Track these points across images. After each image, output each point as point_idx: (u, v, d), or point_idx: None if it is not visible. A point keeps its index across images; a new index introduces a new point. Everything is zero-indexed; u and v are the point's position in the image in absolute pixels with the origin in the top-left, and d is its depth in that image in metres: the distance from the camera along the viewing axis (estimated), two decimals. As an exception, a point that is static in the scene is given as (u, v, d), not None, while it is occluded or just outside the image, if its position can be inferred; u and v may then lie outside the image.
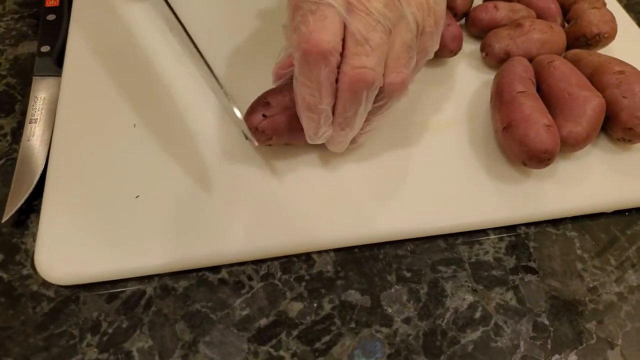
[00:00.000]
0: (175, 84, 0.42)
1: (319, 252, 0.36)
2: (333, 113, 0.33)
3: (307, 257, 0.36)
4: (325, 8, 0.30)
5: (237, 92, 0.40)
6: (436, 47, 0.36)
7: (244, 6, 0.48)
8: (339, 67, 0.31)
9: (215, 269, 0.35)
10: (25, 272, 0.34)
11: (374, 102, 0.33)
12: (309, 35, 0.30)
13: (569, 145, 0.39)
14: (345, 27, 0.31)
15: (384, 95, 0.33)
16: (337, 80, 0.32)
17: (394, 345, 0.32)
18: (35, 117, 0.41)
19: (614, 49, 0.46)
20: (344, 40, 0.31)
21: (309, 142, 0.35)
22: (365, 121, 0.35)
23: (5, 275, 0.34)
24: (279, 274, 0.35)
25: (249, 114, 0.36)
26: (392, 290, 0.35)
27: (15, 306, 0.33)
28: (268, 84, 0.37)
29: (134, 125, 0.40)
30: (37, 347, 0.31)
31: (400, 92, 0.33)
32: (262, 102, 0.36)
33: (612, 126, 0.41)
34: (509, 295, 0.35)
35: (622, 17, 0.50)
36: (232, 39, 0.46)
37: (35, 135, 0.40)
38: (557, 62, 0.42)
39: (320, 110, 0.32)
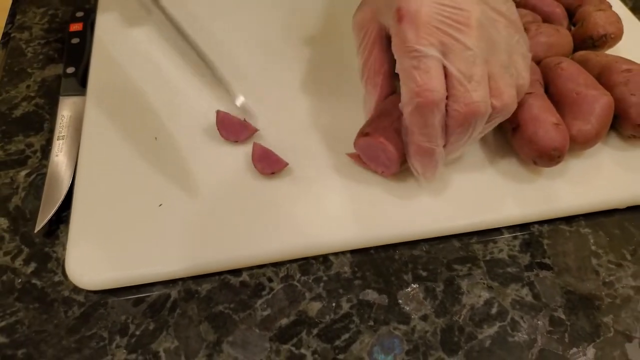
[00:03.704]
0: (193, 98, 0.44)
1: (336, 254, 0.37)
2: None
3: (324, 259, 0.37)
4: (427, 60, 0.32)
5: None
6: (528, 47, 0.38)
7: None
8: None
9: (237, 272, 0.36)
10: (56, 278, 0.36)
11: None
12: (420, 90, 0.32)
13: (579, 143, 0.39)
14: (446, 68, 0.32)
15: (497, 116, 0.35)
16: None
17: (412, 341, 0.33)
18: (63, 133, 0.43)
19: (620, 50, 0.47)
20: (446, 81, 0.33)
21: (421, 185, 0.38)
22: None
23: (38, 282, 0.35)
24: (298, 275, 0.36)
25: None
26: (409, 289, 0.35)
27: (49, 311, 0.34)
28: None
29: (155, 138, 0.42)
30: (69, 349, 0.33)
31: (510, 111, 0.35)
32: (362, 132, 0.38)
33: (622, 124, 0.41)
34: (525, 291, 0.35)
35: (629, 19, 0.51)
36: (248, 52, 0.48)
37: (62, 151, 0.42)
38: (565, 63, 0.43)
39: (437, 152, 0.35)
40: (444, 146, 0.35)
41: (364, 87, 0.38)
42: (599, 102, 0.40)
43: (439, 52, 0.32)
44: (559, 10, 0.49)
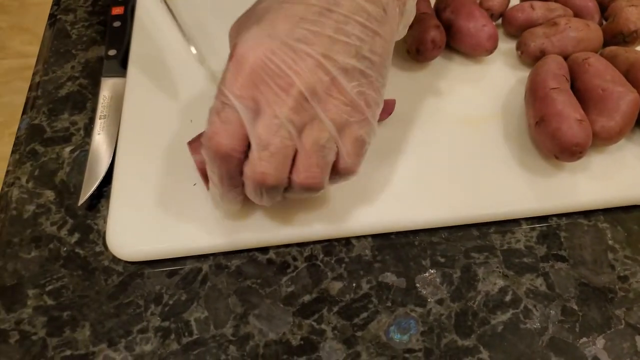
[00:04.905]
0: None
1: (358, 238, 0.39)
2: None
3: (346, 242, 0.39)
4: (230, 111, 0.31)
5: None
6: (374, 129, 0.34)
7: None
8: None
9: (264, 249, 0.38)
10: (97, 249, 0.39)
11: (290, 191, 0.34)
12: (212, 136, 0.31)
13: (602, 139, 0.40)
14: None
15: (300, 191, 0.33)
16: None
17: (427, 323, 0.35)
18: (104, 113, 0.45)
19: (652, 46, 0.47)
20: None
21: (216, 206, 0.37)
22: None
23: (81, 252, 0.38)
24: (321, 256, 0.38)
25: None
26: (427, 274, 0.37)
27: (90, 278, 0.37)
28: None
29: (191, 120, 0.44)
30: (109, 313, 0.36)
31: (312, 191, 0.33)
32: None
33: (647, 121, 0.41)
34: (539, 281, 0.37)
35: (662, 14, 0.50)
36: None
37: (104, 129, 0.44)
38: (592, 59, 0.43)
39: (224, 194, 0.34)
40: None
41: None
42: (625, 99, 0.40)
43: (249, 108, 0.30)
44: (590, 5, 0.48)
